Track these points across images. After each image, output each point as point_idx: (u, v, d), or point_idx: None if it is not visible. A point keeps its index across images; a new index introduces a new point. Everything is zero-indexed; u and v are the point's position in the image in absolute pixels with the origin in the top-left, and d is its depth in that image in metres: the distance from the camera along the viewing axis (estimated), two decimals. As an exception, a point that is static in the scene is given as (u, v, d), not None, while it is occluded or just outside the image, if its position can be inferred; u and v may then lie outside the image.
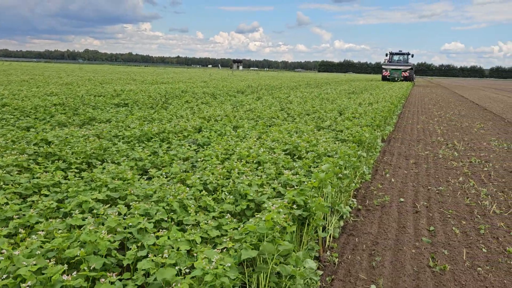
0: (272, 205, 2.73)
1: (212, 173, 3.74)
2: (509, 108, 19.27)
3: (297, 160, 4.71)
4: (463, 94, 30.74)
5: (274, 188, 3.39)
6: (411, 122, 12.74)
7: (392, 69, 44.50)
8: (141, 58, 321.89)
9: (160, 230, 2.49)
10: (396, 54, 47.16)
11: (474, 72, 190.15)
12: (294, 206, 2.83)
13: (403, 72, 44.06)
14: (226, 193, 3.19)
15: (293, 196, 2.98)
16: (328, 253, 3.61)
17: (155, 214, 2.75)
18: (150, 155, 4.85)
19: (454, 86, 50.15)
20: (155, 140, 5.77)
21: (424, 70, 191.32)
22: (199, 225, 2.69)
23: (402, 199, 5.17)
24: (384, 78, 44.89)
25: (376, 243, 3.88)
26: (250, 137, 5.82)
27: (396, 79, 43.73)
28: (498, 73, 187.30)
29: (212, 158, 4.38)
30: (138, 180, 3.79)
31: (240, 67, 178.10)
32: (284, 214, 2.65)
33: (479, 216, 4.64)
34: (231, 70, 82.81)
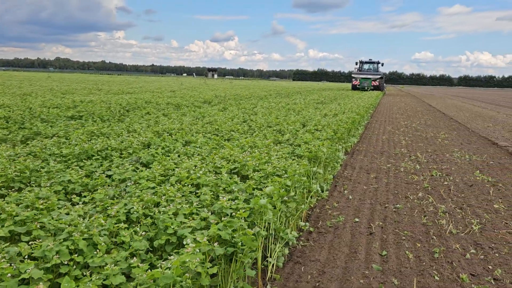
0: (193, 240, 2.38)
1: (141, 200, 3.36)
2: (474, 117, 19.59)
3: (242, 181, 4.39)
4: (431, 103, 31.27)
5: (205, 218, 3.04)
6: (377, 133, 12.66)
7: (362, 78, 43.72)
8: (115, 67, 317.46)
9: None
10: (366, 62, 46.49)
11: (443, 81, 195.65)
12: (215, 245, 2.47)
13: (373, 81, 43.30)
14: (146, 225, 2.82)
15: (218, 229, 2.64)
16: (268, 287, 3.28)
17: (53, 257, 2.35)
18: (84, 177, 4.43)
19: (423, 95, 51.21)
20: (96, 159, 5.34)
21: (396, 78, 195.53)
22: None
23: (357, 219, 4.91)
24: (354, 87, 44.12)
25: (323, 273, 3.57)
26: (199, 154, 5.47)
27: (366, 88, 42.95)
28: (466, 81, 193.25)
29: (147, 181, 4.00)
30: (59, 209, 3.38)
31: (215, 76, 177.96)
32: (203, 254, 2.31)
33: (434, 237, 4.41)
34: (203, 79, 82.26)
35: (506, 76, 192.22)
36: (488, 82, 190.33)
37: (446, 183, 6.77)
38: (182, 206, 3.09)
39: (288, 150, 6.14)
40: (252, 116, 11.16)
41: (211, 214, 3.14)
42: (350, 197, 5.84)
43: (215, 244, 2.43)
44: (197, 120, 10.07)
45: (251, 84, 57.37)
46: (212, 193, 3.71)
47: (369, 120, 16.49)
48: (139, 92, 21.98)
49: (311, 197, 5.33)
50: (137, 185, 3.91)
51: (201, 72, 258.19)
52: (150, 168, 4.77)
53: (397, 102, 30.87)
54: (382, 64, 45.72)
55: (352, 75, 45.33)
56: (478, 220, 4.96)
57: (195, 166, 4.72)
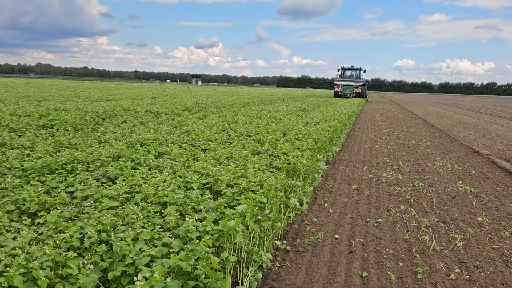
0: (148, 274, 2.08)
1: (99, 222, 3.05)
2: (455, 124, 19.70)
3: (215, 197, 4.11)
4: (413, 110, 31.51)
5: (167, 244, 2.75)
6: (359, 141, 12.51)
7: (344, 84, 42.68)
8: (97, 73, 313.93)
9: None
10: (348, 69, 45.39)
11: (425, 88, 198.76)
12: (168, 280, 2.18)
13: (355, 88, 42.34)
14: (99, 254, 2.51)
15: (179, 259, 2.36)
16: (238, 317, 3.00)
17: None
18: (44, 193, 4.09)
19: (405, 102, 51.74)
20: (60, 173, 4.99)
21: (378, 85, 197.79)
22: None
23: (337, 236, 4.67)
24: (336, 95, 43.07)
25: (299, 298, 3.31)
26: (171, 168, 5.16)
27: (348, 95, 41.98)
28: (446, 88, 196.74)
29: (110, 199, 3.68)
30: (8, 233, 3.05)
31: (199, 82, 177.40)
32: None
33: (417, 255, 4.19)
34: (186, 85, 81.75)
35: (485, 83, 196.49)
36: (467, 89, 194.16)
37: (428, 194, 6.60)
38: (143, 230, 2.78)
39: (266, 161, 5.88)
40: (232, 125, 10.89)
41: (175, 238, 2.85)
42: (331, 210, 5.61)
43: (168, 279, 2.14)
44: (174, 129, 9.75)
45: (235, 90, 57.15)
46: (179, 213, 3.41)
47: (352, 127, 16.39)
48: (119, 99, 21.50)
49: (290, 212, 5.07)
50: (98, 204, 3.59)
51: (185, 78, 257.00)
52: (116, 183, 4.44)
53: (380, 109, 31.00)
54: (364, 71, 44.83)
55: (334, 82, 44.17)
56: (462, 236, 4.77)
57: (165, 181, 4.41)
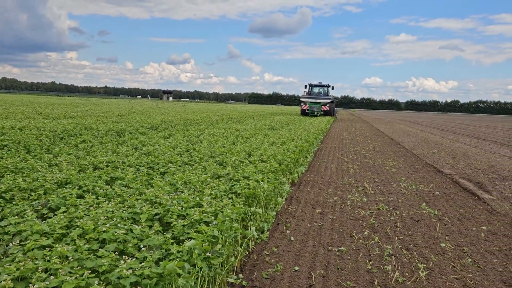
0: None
1: (19, 268, 2.69)
2: (420, 142, 20.04)
3: (165, 230, 3.79)
4: (380, 127, 32.05)
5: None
6: (326, 160, 12.43)
7: (311, 102, 40.68)
8: (65, 88, 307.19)
9: None
10: (316, 86, 43.32)
11: (392, 105, 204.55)
12: None
13: (323, 106, 40.35)
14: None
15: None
16: None
17: None
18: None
19: (373, 119, 52.74)
20: (-4, 202, 4.55)
21: (348, 102, 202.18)
22: None
23: (297, 267, 4.42)
24: (303, 113, 41.15)
25: None
26: (120, 195, 4.81)
27: (315, 113, 40.22)
28: (413, 106, 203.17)
29: (42, 236, 3.31)
30: None
31: (170, 98, 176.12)
32: None
33: (379, 288, 3.99)
34: (156, 102, 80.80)
35: (448, 101, 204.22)
36: (432, 106, 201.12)
37: (392, 218, 6.47)
38: (66, 278, 2.45)
39: (226, 187, 5.61)
40: (196, 145, 10.59)
41: (106, 286, 2.52)
42: (292, 238, 5.37)
43: None
44: (134, 150, 9.36)
45: (205, 107, 56.84)
46: (118, 252, 3.09)
47: (319, 146, 16.36)
48: (83, 117, 20.79)
49: (249, 241, 4.79)
50: (27, 242, 3.21)
51: (156, 94, 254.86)
52: (56, 215, 4.06)
53: (348, 127, 31.37)
54: (333, 88, 42.59)
55: (301, 99, 42.15)
56: (425, 265, 4.62)
57: (112, 211, 4.07)
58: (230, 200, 4.94)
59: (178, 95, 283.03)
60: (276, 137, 13.36)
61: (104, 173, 5.89)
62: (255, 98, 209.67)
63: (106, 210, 4.06)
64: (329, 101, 40.67)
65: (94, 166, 6.78)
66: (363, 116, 69.42)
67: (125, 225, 3.62)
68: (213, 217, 4.04)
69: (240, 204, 4.74)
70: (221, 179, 6.27)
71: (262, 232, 5.54)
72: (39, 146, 9.47)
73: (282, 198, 7.31)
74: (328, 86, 42.80)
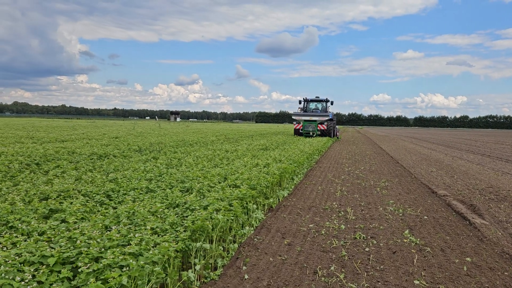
0: None
1: None
2: (420, 160, 19.34)
3: (72, 278, 3.25)
4: (382, 145, 31.34)
5: None
6: (315, 182, 11.83)
7: (306, 120, 33.46)
8: (75, 111, 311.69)
9: None
10: (313, 101, 36.04)
11: (400, 121, 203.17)
12: None
13: (319, 125, 33.16)
14: None
15: None
16: None
17: None
18: None
19: (377, 137, 51.99)
20: None
21: (355, 120, 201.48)
22: None
23: (238, 315, 3.84)
24: (297, 133, 34.45)
25: None
26: (44, 233, 4.30)
27: (311, 133, 33.41)
28: (421, 122, 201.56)
29: None
30: None
31: (178, 119, 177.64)
32: None
33: None
34: (158, 123, 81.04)
35: (457, 116, 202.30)
36: (441, 122, 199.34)
37: (367, 249, 5.86)
38: None
39: (175, 219, 5.07)
40: (173, 169, 10.11)
41: None
42: (247, 276, 4.78)
43: None
44: (106, 176, 8.89)
45: (208, 127, 56.65)
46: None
47: (313, 166, 15.76)
48: (76, 140, 20.51)
49: (187, 284, 4.23)
50: None
51: (164, 115, 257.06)
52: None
53: (349, 145, 30.70)
54: (332, 103, 35.43)
55: (293, 117, 34.75)
56: (388, 309, 4.01)
57: (20, 255, 3.55)
58: (172, 236, 4.41)
59: (186, 116, 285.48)
60: (264, 159, 12.82)
61: (45, 205, 5.39)
62: (262, 117, 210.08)
63: (16, 252, 3.54)
64: (326, 118, 33.25)
65: (45, 196, 6.29)
66: (368, 133, 68.69)
67: (23, 270, 3.10)
68: (136, 258, 3.51)
69: (164, 245, 4.20)
70: (177, 208, 5.74)
71: (216, 269, 4.99)
72: (6, 173, 9.05)
73: (251, 227, 6.75)
74: (326, 101, 35.81)
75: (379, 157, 20.55)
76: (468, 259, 5.53)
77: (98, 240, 3.84)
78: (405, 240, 6.32)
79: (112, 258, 3.39)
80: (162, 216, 5.21)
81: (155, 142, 18.42)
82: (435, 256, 5.64)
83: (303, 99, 35.83)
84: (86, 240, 3.79)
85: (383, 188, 11.16)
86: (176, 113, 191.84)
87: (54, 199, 6.15)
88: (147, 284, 3.30)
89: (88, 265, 3.28)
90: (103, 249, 3.64)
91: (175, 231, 4.73)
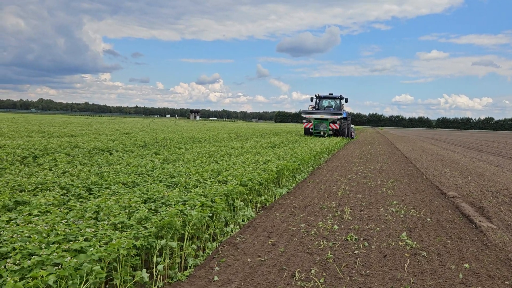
0: None
1: None
2: (436, 161, 18.59)
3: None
4: (399, 145, 30.47)
5: None
6: (318, 181, 11.36)
7: (316, 119, 30.92)
8: (98, 108, 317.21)
9: None
10: (325, 98, 33.73)
11: (422, 123, 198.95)
12: None
13: (331, 124, 30.51)
14: None
15: None
16: None
17: None
18: None
19: (396, 137, 50.87)
20: None
21: (376, 120, 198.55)
22: None
23: (193, 320, 3.47)
24: (307, 132, 32.13)
25: None
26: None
27: (322, 133, 30.76)
28: (444, 123, 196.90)
29: None
30: None
31: (198, 117, 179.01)
32: None
33: None
34: (173, 121, 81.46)
35: (482, 118, 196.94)
36: (465, 124, 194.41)
37: (356, 252, 5.41)
38: None
39: (146, 214, 4.73)
40: (169, 164, 9.82)
41: None
42: (216, 278, 4.41)
43: None
44: (98, 168, 8.66)
45: (223, 125, 56.53)
46: None
47: (322, 164, 15.26)
48: (84, 135, 20.52)
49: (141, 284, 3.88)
50: None
51: (185, 113, 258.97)
52: None
53: (365, 144, 29.95)
54: (346, 100, 32.71)
55: (302, 114, 32.13)
56: (362, 320, 3.58)
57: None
58: (134, 232, 4.08)
59: (206, 114, 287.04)
60: (267, 156, 12.42)
61: (10, 197, 5.12)
62: (282, 117, 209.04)
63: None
64: (339, 116, 30.47)
65: (22, 189, 6.06)
66: (387, 134, 67.36)
67: None
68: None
69: (139, 239, 3.86)
70: (152, 204, 5.41)
71: (186, 269, 4.64)
72: (-2, 165, 8.91)
73: (237, 225, 6.38)
74: (341, 98, 33.23)
75: (393, 157, 19.87)
76: (466, 265, 5.03)
77: (44, 234, 3.53)
78: (400, 243, 5.83)
79: (47, 254, 3.07)
80: (132, 211, 4.88)
81: (163, 139, 18.22)
82: (430, 261, 5.15)
83: (315, 95, 33.59)
84: (28, 235, 3.48)
85: (389, 188, 10.62)
86: (196, 112, 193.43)
87: (29, 191, 5.91)
88: (83, 284, 2.97)
89: (18, 261, 2.97)
90: (43, 245, 3.32)
91: (143, 227, 4.40)
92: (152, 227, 4.31)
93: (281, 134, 32.95)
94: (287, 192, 9.41)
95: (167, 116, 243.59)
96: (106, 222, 4.23)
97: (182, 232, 4.72)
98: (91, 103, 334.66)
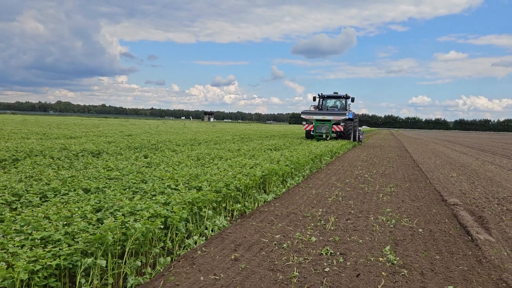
0: None
1: None
2: (444, 164, 17.73)
3: None
4: (409, 147, 29.50)
5: None
6: (312, 186, 10.72)
7: (318, 120, 27.57)
8: (114, 110, 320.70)
9: None
10: (330, 97, 30.57)
11: (439, 124, 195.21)
12: None
13: (334, 126, 27.30)
14: None
15: None
16: None
17: None
18: None
19: (409, 139, 49.67)
20: None
21: (391, 122, 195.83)
22: None
23: None
24: (309, 135, 28.88)
25: None
26: None
27: (324, 136, 27.79)
28: (462, 125, 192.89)
29: None
30: None
31: (212, 119, 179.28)
32: None
33: None
34: (183, 122, 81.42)
35: (501, 120, 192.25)
36: (483, 125, 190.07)
37: (327, 269, 4.78)
38: None
39: (83, 226, 4.21)
40: (151, 168, 9.34)
41: None
42: (154, 301, 3.85)
43: None
44: (70, 171, 8.22)
45: (232, 127, 56.08)
46: None
47: (322, 168, 14.59)
48: (83, 137, 20.26)
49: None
50: None
51: (199, 115, 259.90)
52: None
53: (374, 147, 29.08)
54: (353, 100, 29.57)
55: (302, 115, 28.25)
56: None
57: None
58: (56, 249, 3.56)
59: (221, 116, 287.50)
60: (260, 159, 11.84)
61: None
62: (296, 118, 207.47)
63: None
64: (343, 117, 27.34)
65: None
66: (401, 136, 65.98)
67: None
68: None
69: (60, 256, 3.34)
70: (98, 213, 4.89)
71: (124, 289, 4.10)
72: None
73: (203, 236, 5.82)
74: (346, 97, 30.10)
75: (400, 160, 19.06)
76: (450, 287, 4.36)
77: None
78: (380, 259, 5.19)
79: None
80: (68, 223, 4.37)
81: (156, 141, 17.79)
82: (409, 282, 4.50)
83: (318, 95, 30.40)
84: None
85: (386, 194, 9.93)
86: (210, 114, 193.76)
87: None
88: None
89: None
90: None
91: (75, 242, 3.88)
92: (80, 243, 3.78)
93: (288, 136, 32.27)
94: (274, 198, 8.82)
95: (182, 118, 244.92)
96: (20, 238, 3.71)
97: (123, 246, 4.19)
98: (108, 105, 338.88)
